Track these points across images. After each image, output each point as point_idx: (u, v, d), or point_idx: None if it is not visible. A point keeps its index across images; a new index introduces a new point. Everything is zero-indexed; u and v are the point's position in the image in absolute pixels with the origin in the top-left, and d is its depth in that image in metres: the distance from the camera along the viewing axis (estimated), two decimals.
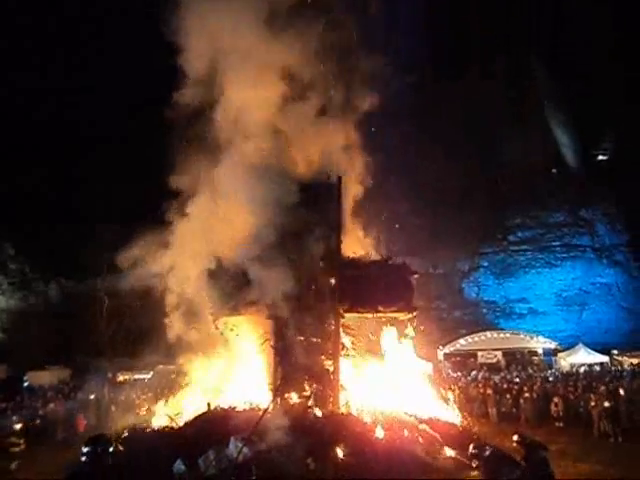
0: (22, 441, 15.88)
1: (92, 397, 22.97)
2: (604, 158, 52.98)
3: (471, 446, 8.38)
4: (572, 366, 34.95)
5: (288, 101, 12.48)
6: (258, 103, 12.51)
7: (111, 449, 8.89)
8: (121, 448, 9.71)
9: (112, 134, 42.24)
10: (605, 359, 35.95)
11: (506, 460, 7.82)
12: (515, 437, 9.06)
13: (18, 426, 16.54)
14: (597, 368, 33.37)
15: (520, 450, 8.96)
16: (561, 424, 19.10)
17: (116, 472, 7.37)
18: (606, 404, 17.67)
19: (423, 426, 10.99)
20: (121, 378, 31.16)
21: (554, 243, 48.59)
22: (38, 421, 19.23)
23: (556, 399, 19.91)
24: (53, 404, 22.82)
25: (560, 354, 37.52)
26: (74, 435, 17.40)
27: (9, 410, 21.41)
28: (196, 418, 11.47)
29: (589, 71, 47.86)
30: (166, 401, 14.62)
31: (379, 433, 10.26)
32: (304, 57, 12.54)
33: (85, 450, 6.98)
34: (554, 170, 50.71)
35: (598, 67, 47.92)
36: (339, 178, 12.07)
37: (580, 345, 36.94)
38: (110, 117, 41.47)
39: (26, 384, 34.18)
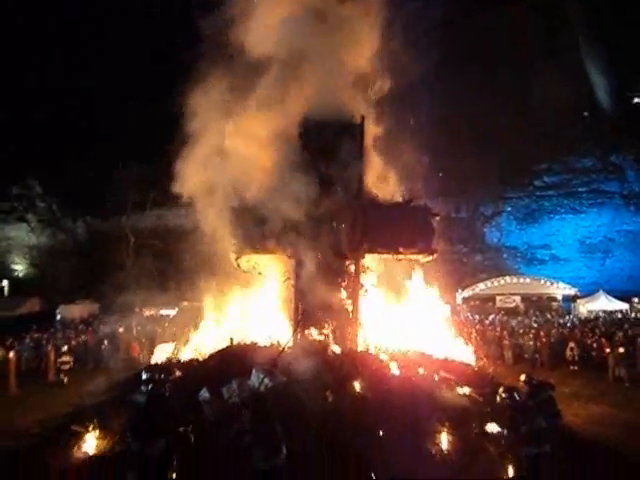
0: (70, 359, 18.11)
1: (121, 330, 24.04)
2: (639, 100, 50.50)
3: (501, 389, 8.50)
4: (590, 312, 35.01)
5: (311, 36, 12.09)
6: (278, 39, 12.19)
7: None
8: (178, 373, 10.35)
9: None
10: (625, 306, 35.86)
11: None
12: (522, 377, 9.46)
13: (65, 347, 19.16)
14: (618, 315, 33.39)
15: (527, 389, 9.31)
16: (576, 368, 19.35)
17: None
18: (621, 350, 17.82)
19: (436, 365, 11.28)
20: (147, 313, 32.36)
21: (581, 189, 47.43)
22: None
23: (572, 344, 20.11)
24: (84, 336, 24.04)
25: (579, 300, 37.48)
26: (129, 359, 19.77)
27: (44, 340, 22.72)
28: (220, 352, 11.92)
29: (627, 8, 44.77)
30: (191, 336, 15.23)
31: (395, 370, 10.58)
32: None
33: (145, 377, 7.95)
34: (586, 113, 48.68)
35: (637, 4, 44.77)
36: (362, 117, 11.84)
37: (601, 292, 36.79)
38: None
39: (58, 317, 35.79)
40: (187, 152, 13.10)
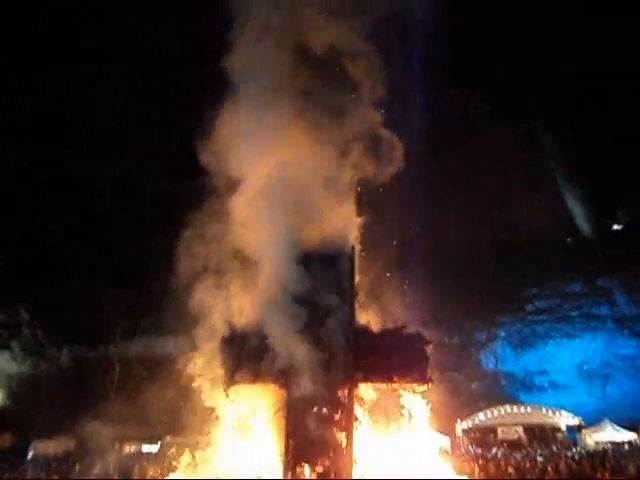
0: None
1: (96, 471, 22.28)
2: (618, 228, 52.82)
3: None
4: (598, 444, 33.28)
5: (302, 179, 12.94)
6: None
7: None
8: None
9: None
10: (633, 436, 34.21)
11: None
12: None
13: None
14: (626, 447, 31.75)
15: None
16: None
17: None
18: None
19: None
20: (127, 449, 30.30)
21: (572, 313, 47.60)
22: None
23: None
24: (57, 476, 22.22)
25: (585, 430, 35.75)
26: None
27: None
28: None
29: (600, 140, 48.46)
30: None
31: None
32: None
33: None
34: (568, 239, 50.68)
35: (609, 136, 48.54)
36: (352, 248, 12.20)
37: (606, 421, 35.28)
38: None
39: (31, 454, 33.30)
40: (178, 280, 13.23)
